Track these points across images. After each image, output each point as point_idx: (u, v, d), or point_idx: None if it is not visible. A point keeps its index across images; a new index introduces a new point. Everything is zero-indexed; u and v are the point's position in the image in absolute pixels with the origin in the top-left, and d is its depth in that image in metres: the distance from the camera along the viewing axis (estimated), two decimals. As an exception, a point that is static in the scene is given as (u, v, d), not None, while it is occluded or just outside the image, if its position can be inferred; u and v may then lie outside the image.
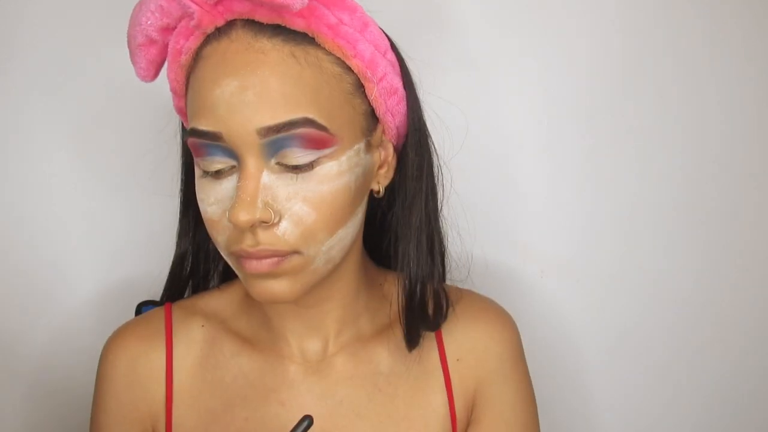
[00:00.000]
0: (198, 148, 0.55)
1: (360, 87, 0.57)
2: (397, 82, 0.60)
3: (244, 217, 0.52)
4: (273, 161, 0.53)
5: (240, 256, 0.56)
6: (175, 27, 0.56)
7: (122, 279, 0.88)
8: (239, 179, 0.54)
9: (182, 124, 0.65)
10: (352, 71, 0.56)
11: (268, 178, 0.54)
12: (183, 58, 0.56)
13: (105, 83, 0.84)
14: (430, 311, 0.65)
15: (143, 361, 0.65)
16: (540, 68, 0.88)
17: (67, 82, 0.84)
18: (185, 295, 0.71)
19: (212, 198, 0.56)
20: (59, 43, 0.83)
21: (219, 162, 0.55)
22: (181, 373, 0.65)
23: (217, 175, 0.55)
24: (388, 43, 0.59)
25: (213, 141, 0.53)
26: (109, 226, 0.88)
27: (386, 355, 0.66)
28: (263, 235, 0.54)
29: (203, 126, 0.54)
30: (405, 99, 0.61)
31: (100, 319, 0.85)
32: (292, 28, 0.54)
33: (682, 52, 0.88)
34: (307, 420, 0.50)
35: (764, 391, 0.95)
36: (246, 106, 0.52)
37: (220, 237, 0.57)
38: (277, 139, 0.52)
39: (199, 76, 0.55)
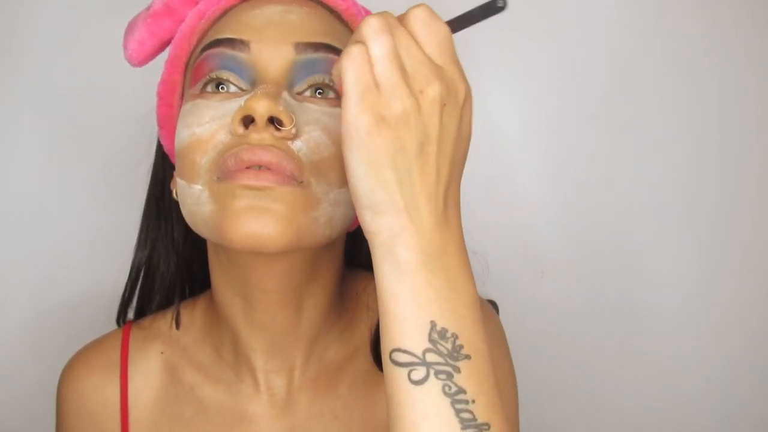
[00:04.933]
0: (209, 61, 0.50)
1: None
2: None
3: (265, 103, 0.45)
4: (297, 88, 0.50)
5: (235, 164, 0.46)
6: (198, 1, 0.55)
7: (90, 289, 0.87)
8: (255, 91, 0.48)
9: (158, 133, 0.60)
10: None
11: (288, 98, 0.48)
12: (211, 10, 0.54)
13: (84, 79, 0.85)
14: None
15: (95, 396, 0.61)
16: (540, 69, 0.90)
17: (56, 81, 0.85)
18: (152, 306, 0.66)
19: (207, 117, 0.49)
20: (56, 38, 0.85)
21: (230, 78, 0.49)
22: (138, 409, 0.61)
23: (220, 94, 0.50)
24: None
25: (236, 51, 0.50)
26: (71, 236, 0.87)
27: (349, 377, 0.61)
28: (274, 141, 0.46)
29: (229, 33, 0.50)
30: None
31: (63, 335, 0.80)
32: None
33: (682, 52, 0.91)
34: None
35: (765, 391, 0.96)
36: (286, 24, 0.50)
37: (205, 157, 0.48)
38: (312, 59, 0.49)
39: (227, 16, 0.53)
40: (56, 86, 0.85)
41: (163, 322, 0.63)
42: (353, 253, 0.62)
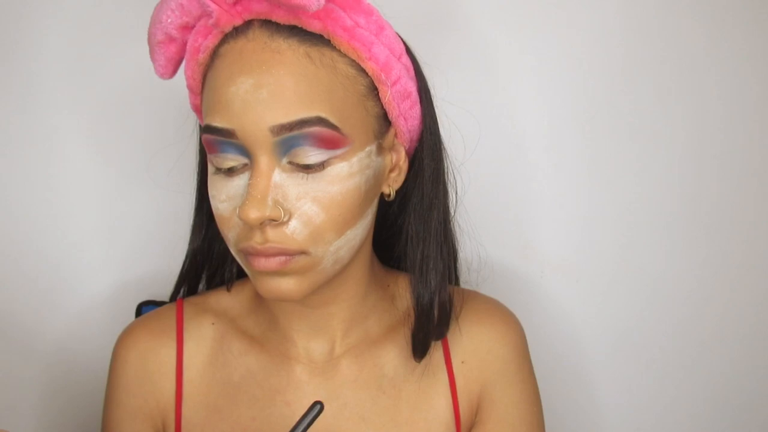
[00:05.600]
0: (212, 145, 0.56)
1: (373, 90, 0.58)
2: (411, 87, 0.60)
3: (254, 214, 0.52)
4: (285, 160, 0.54)
5: (248, 253, 0.56)
6: (194, 25, 0.57)
7: (137, 277, 0.89)
8: (251, 177, 0.54)
9: (199, 124, 0.65)
10: (367, 74, 0.57)
11: (279, 176, 0.54)
12: (201, 56, 0.57)
13: (124, 80, 0.85)
14: (436, 318, 0.65)
15: (153, 357, 0.66)
16: (539, 70, 0.89)
17: (85, 78, 0.85)
18: (199, 290, 0.72)
19: (224, 195, 0.56)
20: (80, 37, 0.84)
21: (231, 159, 0.55)
22: (191, 370, 0.66)
23: (230, 172, 0.56)
24: (403, 47, 0.60)
25: (226, 138, 0.54)
26: (124, 223, 0.88)
27: (392, 357, 0.66)
28: (272, 233, 0.54)
29: (217, 123, 0.54)
30: (419, 103, 0.61)
31: (114, 317, 0.85)
32: (309, 29, 0.54)
33: (683, 52, 0.88)
34: (318, 406, 0.50)
35: (765, 390, 0.95)
36: (260, 104, 0.52)
37: (230, 234, 0.57)
38: (289, 137, 0.53)
39: (215, 73, 0.55)
40: (96, 79, 0.85)
41: (213, 297, 0.69)
42: (387, 255, 0.70)
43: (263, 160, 0.54)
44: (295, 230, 0.54)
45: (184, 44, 0.58)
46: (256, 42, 0.54)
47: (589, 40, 0.88)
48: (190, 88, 0.60)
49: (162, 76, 0.60)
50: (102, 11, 0.84)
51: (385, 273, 0.69)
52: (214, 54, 0.56)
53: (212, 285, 0.72)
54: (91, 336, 0.87)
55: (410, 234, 0.64)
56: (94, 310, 0.88)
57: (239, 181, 0.56)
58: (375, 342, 0.66)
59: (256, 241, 0.55)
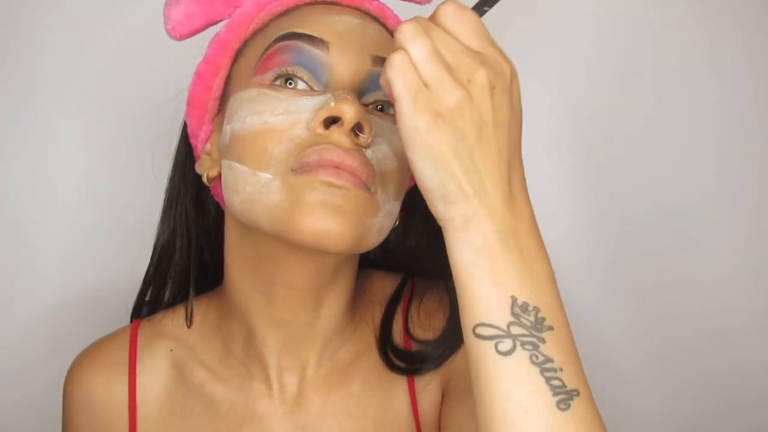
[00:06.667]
0: (283, 53, 0.51)
1: None
2: None
3: (355, 111, 0.47)
4: (363, 99, 0.52)
5: (316, 166, 0.48)
6: None
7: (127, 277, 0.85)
8: (335, 91, 0.50)
9: (186, 112, 0.60)
10: None
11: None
12: (273, 4, 0.55)
13: (120, 80, 0.85)
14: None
15: (103, 394, 0.61)
16: (539, 68, 0.89)
17: (75, 73, 0.86)
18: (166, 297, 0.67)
19: (280, 108, 0.50)
20: (69, 34, 0.85)
21: (303, 76, 0.51)
22: (146, 406, 0.61)
23: (289, 89, 0.51)
24: None
25: (314, 47, 0.51)
26: (115, 223, 0.88)
27: (362, 375, 0.62)
28: (352, 145, 0.48)
29: (309, 30, 0.51)
30: None
31: (111, 317, 0.79)
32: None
33: (683, 53, 0.90)
34: None
35: (765, 390, 0.95)
36: (366, 35, 0.52)
37: (280, 147, 0.49)
38: (378, 74, 0.49)
39: (298, 13, 0.54)
40: (93, 71, 0.86)
41: (173, 319, 0.63)
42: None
43: (348, 88, 0.50)
44: (372, 158, 0.50)
45: (236, 4, 0.56)
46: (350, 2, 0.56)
47: (590, 41, 0.89)
48: (222, 44, 0.56)
49: (173, 31, 0.56)
50: (100, 11, 0.85)
51: (362, 275, 0.64)
52: (288, 11, 0.55)
53: (178, 296, 0.65)
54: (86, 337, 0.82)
55: (421, 233, 0.63)
56: (84, 311, 0.87)
57: (304, 102, 0.50)
58: (347, 367, 0.62)
59: (333, 138, 0.48)
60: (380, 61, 0.51)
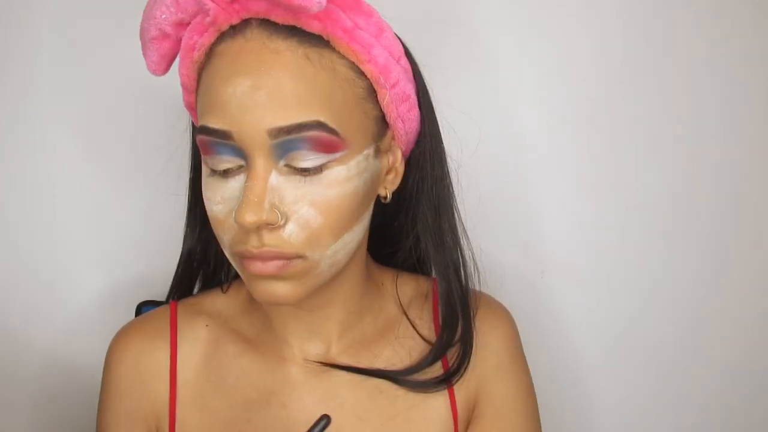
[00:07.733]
0: (207, 146, 0.54)
1: (372, 92, 0.57)
2: (410, 89, 0.59)
3: (250, 218, 0.52)
4: (282, 163, 0.53)
5: (244, 257, 0.55)
6: (189, 22, 0.56)
7: (129, 278, 0.88)
8: (247, 179, 0.53)
9: (192, 122, 0.64)
10: (365, 76, 0.56)
11: (276, 179, 0.53)
12: (196, 54, 0.56)
13: (114, 78, 0.85)
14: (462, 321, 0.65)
15: (147, 359, 0.65)
16: (539, 70, 0.89)
17: (75, 77, 0.85)
18: (194, 292, 0.71)
19: (218, 197, 0.55)
20: (68, 36, 0.84)
21: (227, 161, 0.54)
22: (186, 372, 0.65)
23: (225, 174, 0.55)
24: (402, 49, 0.59)
25: (222, 139, 0.53)
26: (116, 224, 0.88)
27: (388, 356, 0.65)
28: (268, 237, 0.53)
29: (213, 124, 0.53)
30: (417, 106, 0.61)
31: (105, 319, 0.85)
32: (308, 30, 0.53)
33: (683, 53, 0.88)
34: (325, 419, 0.49)
35: (764, 391, 0.95)
36: (258, 106, 0.51)
37: (225, 236, 0.56)
38: (287, 140, 0.52)
39: (211, 73, 0.54)
40: (89, 79, 0.85)
41: (208, 299, 0.68)
42: (382, 255, 0.70)
43: (260, 163, 0.53)
44: (292, 234, 0.54)
45: (179, 41, 0.57)
46: (254, 42, 0.53)
47: (590, 41, 0.88)
48: (184, 86, 0.59)
49: (155, 72, 0.59)
50: (93, 13, 0.84)
51: (378, 271, 0.69)
52: (210, 52, 0.55)
53: (207, 286, 0.71)
54: (86, 338, 0.87)
55: (425, 239, 0.64)
56: (89, 312, 0.88)
57: (235, 183, 0.55)
58: (370, 342, 0.66)
59: (252, 244, 0.54)
60: (279, 131, 0.51)
